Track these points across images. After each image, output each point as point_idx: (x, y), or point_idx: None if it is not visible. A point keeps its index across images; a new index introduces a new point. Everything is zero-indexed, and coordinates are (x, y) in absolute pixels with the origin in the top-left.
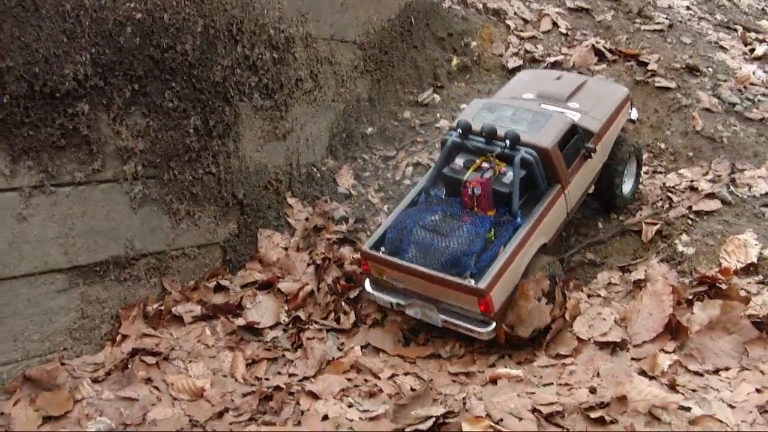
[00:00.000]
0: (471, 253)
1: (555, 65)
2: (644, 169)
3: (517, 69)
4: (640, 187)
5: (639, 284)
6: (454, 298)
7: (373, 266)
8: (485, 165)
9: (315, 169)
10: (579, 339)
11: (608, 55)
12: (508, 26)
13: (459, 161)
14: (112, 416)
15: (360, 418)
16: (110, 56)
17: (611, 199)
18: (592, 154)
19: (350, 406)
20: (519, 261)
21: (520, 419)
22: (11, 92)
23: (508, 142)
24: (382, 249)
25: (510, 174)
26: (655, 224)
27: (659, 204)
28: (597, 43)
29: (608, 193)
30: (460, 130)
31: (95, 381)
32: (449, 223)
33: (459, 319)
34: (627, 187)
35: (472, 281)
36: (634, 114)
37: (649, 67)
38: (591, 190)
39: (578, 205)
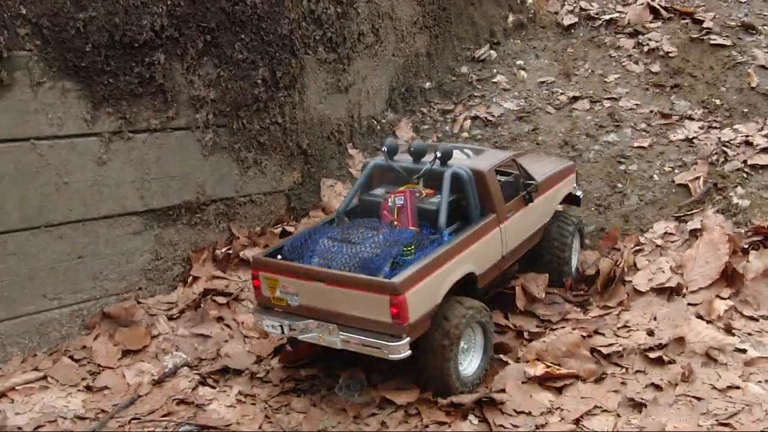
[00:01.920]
0: (386, 255)
1: (610, 23)
2: (700, 124)
3: (573, 26)
4: (695, 141)
5: (695, 234)
6: (360, 307)
7: (264, 279)
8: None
9: (375, 122)
10: (636, 290)
11: (663, 12)
12: None
13: (379, 191)
14: (188, 351)
15: None
16: (185, 8)
17: (559, 273)
18: (533, 198)
19: None
20: (441, 275)
21: (580, 359)
22: (93, 41)
23: (440, 155)
24: (279, 257)
25: (438, 197)
26: (698, 178)
27: (715, 158)
28: (652, 1)
29: (556, 265)
30: (385, 149)
31: (170, 318)
32: (363, 232)
33: (362, 335)
34: (573, 261)
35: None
36: (579, 192)
37: (705, 25)
38: (536, 259)
39: (516, 258)
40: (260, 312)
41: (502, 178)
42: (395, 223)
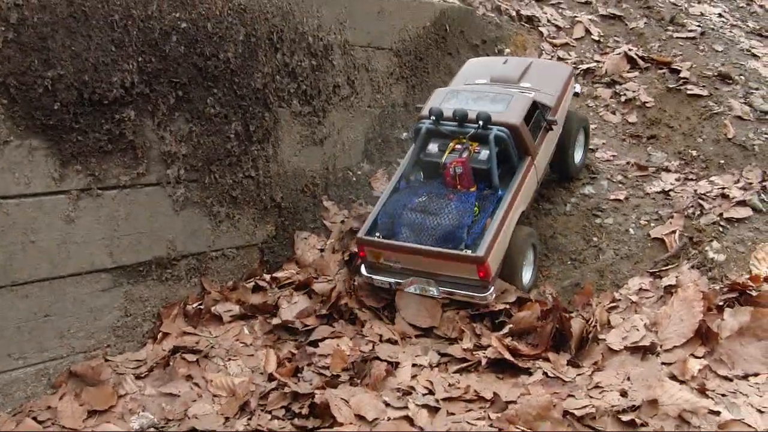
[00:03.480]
0: (463, 226)
1: (587, 72)
2: (676, 176)
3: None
4: (671, 194)
5: (670, 290)
6: (452, 270)
7: (369, 251)
8: (459, 147)
9: (351, 173)
10: (610, 349)
11: (640, 62)
12: (541, 33)
13: (433, 147)
14: (155, 411)
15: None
16: (156, 64)
17: (566, 168)
18: (553, 126)
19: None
20: (507, 228)
21: (551, 422)
22: (62, 99)
23: (481, 122)
24: (377, 234)
25: (484, 152)
26: (674, 232)
27: (691, 211)
28: (629, 50)
29: (563, 162)
30: (433, 117)
31: (138, 377)
32: (436, 202)
33: (458, 289)
34: (578, 156)
35: (469, 251)
36: (577, 88)
37: (682, 75)
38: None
39: (545, 175)
40: (370, 271)
41: (532, 119)
42: (458, 186)
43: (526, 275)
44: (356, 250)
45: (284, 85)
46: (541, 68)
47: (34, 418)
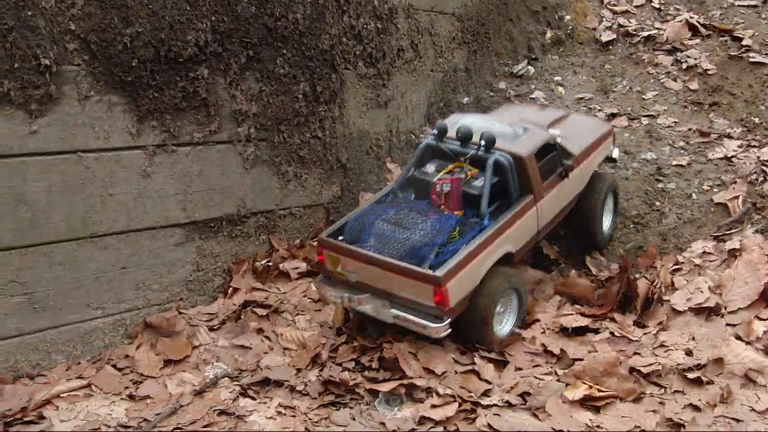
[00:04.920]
0: (432, 244)
1: (648, 40)
2: (739, 143)
3: (611, 43)
4: (734, 160)
5: (734, 254)
6: (408, 290)
7: (328, 256)
8: (456, 170)
9: (413, 136)
10: (674, 310)
11: (702, 30)
12: (601, 0)
13: (430, 167)
14: (228, 362)
15: None
16: (228, 24)
17: (593, 235)
18: (569, 173)
19: None
20: (480, 260)
21: (618, 378)
22: (139, 56)
23: (483, 143)
24: (341, 238)
25: (482, 179)
26: (737, 197)
27: (754, 177)
28: (691, 17)
29: (589, 228)
30: (435, 132)
31: (211, 329)
32: (413, 217)
33: (411, 314)
34: (606, 223)
35: (430, 271)
36: (615, 153)
37: (744, 43)
38: (570, 222)
39: (551, 227)
40: (324, 283)
41: (543, 158)
42: (442, 207)
43: (503, 324)
44: (316, 253)
45: (350, 47)
46: (576, 121)
47: (114, 366)
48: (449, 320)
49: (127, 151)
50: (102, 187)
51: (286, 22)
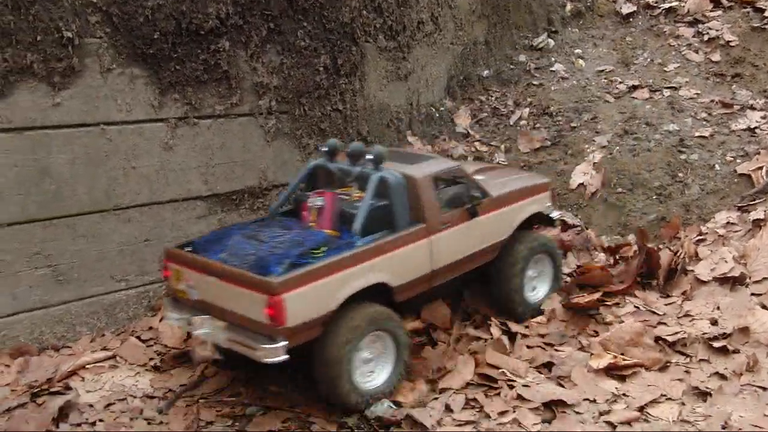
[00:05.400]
0: (283, 257)
1: (670, 11)
2: (762, 113)
3: (631, 15)
4: (757, 131)
5: (758, 224)
6: (241, 304)
7: (173, 270)
8: (338, 192)
9: (434, 109)
10: (698, 280)
11: (724, 1)
12: None
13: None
14: None
15: None
16: None
17: (510, 304)
18: (479, 213)
19: None
20: (337, 281)
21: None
22: (161, 29)
23: (372, 157)
24: (188, 249)
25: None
26: (761, 168)
27: None
28: None
29: (506, 295)
30: (326, 149)
31: None
32: (272, 231)
33: (242, 336)
34: (539, 292)
35: (263, 276)
36: (555, 214)
37: (766, 14)
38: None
39: (455, 274)
40: (168, 304)
41: (446, 188)
42: (312, 224)
43: (375, 379)
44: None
45: (370, 20)
46: (509, 171)
47: (138, 338)
48: (285, 343)
49: (149, 123)
50: (125, 159)
51: None
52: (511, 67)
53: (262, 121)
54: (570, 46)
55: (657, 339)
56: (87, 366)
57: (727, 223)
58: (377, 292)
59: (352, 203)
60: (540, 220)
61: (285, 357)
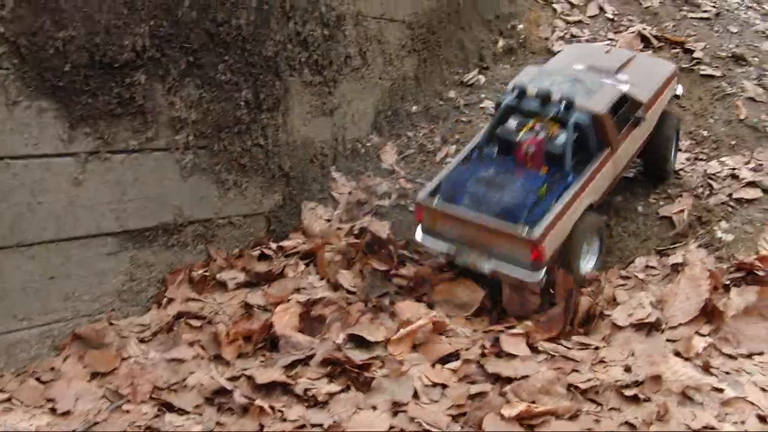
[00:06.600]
0: (524, 205)
1: None
2: (686, 155)
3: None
4: (681, 173)
5: (677, 268)
6: (505, 247)
7: (426, 215)
8: (536, 127)
9: (360, 145)
10: (615, 325)
11: (654, 41)
12: (554, 10)
13: (511, 123)
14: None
15: None
16: (167, 29)
17: (663, 171)
18: (641, 122)
19: None
20: (569, 215)
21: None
22: (72, 61)
23: (563, 104)
24: (437, 198)
25: (562, 136)
26: (682, 211)
27: (700, 191)
28: (643, 29)
29: (660, 165)
30: (516, 92)
31: (142, 341)
32: (503, 177)
33: (509, 267)
34: (674, 159)
35: (527, 228)
36: (679, 90)
37: (695, 55)
38: (640, 163)
39: (625, 171)
40: (425, 236)
41: (617, 110)
42: (528, 165)
43: (588, 263)
44: (414, 211)
45: (295, 54)
46: (642, 63)
47: (38, 379)
48: (544, 269)
49: (58, 158)
50: (30, 194)
51: (228, 27)
52: (441, 103)
53: (178, 156)
54: (501, 82)
55: (569, 386)
56: None
57: (647, 266)
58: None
59: (551, 141)
60: None
61: (544, 280)
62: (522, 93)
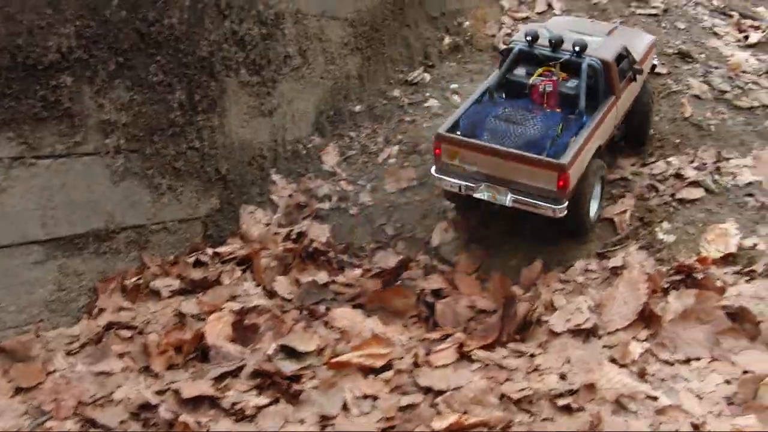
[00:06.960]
0: (547, 136)
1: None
2: (631, 161)
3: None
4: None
5: (616, 271)
6: (529, 177)
7: (446, 149)
8: (547, 73)
9: (300, 146)
10: (552, 331)
11: None
12: (502, 7)
13: (521, 69)
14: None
15: None
16: (95, 29)
17: (644, 134)
18: (637, 77)
19: None
20: (587, 150)
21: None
22: None
23: (577, 49)
24: (458, 133)
25: (571, 82)
26: (625, 212)
27: (645, 191)
28: None
29: (643, 127)
30: (528, 38)
31: (69, 354)
32: (521, 114)
33: (530, 199)
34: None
35: (556, 159)
36: (656, 61)
37: None
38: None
39: (617, 130)
40: (440, 174)
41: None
42: (544, 105)
43: (593, 208)
44: (433, 147)
45: (232, 54)
46: (625, 32)
47: None
48: (566, 203)
49: None
50: None
51: (160, 27)
52: (384, 102)
53: (109, 161)
54: (446, 80)
55: (502, 396)
56: None
57: (586, 269)
58: None
59: (564, 84)
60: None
61: (566, 212)
62: (534, 39)
